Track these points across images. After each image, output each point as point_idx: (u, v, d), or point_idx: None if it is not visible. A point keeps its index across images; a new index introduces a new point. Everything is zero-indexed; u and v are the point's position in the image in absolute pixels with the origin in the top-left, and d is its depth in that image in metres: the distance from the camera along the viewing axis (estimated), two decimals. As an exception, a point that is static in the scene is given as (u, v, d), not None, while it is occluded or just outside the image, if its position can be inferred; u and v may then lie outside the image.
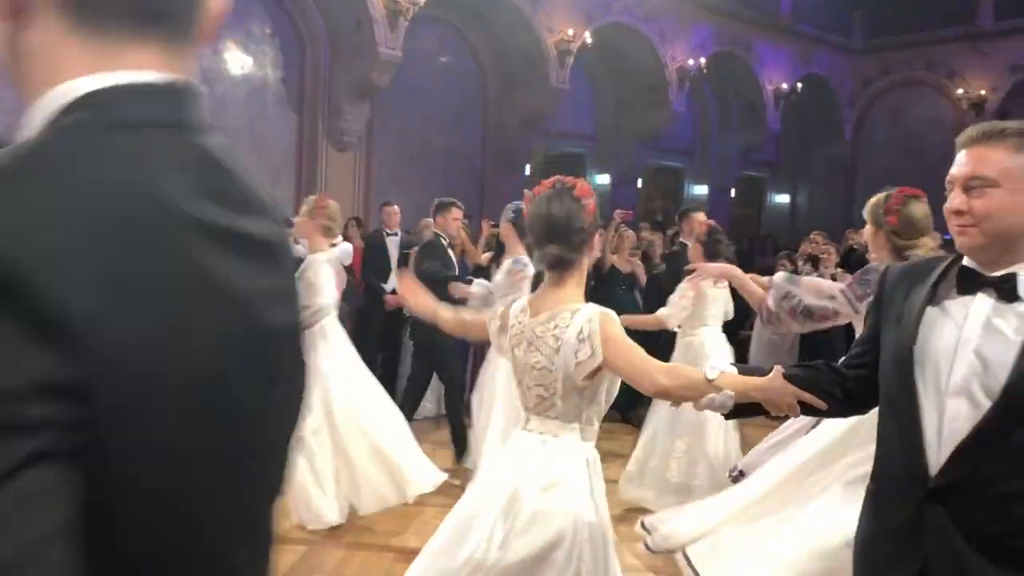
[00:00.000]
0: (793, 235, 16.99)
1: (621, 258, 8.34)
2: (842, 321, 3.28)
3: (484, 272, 7.03)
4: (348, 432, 4.63)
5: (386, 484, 4.69)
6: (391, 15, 10.77)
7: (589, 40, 13.00)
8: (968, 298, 1.72)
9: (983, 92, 15.21)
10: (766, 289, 3.33)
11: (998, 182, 1.68)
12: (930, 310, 1.77)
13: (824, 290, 3.35)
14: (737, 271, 3.67)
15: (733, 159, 16.55)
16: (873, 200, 3.23)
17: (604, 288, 8.24)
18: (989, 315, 1.68)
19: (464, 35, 13.08)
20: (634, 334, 2.67)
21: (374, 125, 11.91)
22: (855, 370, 2.01)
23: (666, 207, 16.68)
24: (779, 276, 3.44)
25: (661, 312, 5.25)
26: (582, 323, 2.34)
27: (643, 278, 8.41)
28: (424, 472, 4.80)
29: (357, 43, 11.02)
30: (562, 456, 2.35)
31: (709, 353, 5.07)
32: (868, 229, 3.28)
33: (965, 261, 1.78)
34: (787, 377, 2.04)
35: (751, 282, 3.48)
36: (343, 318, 7.34)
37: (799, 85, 15.99)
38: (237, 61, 10.82)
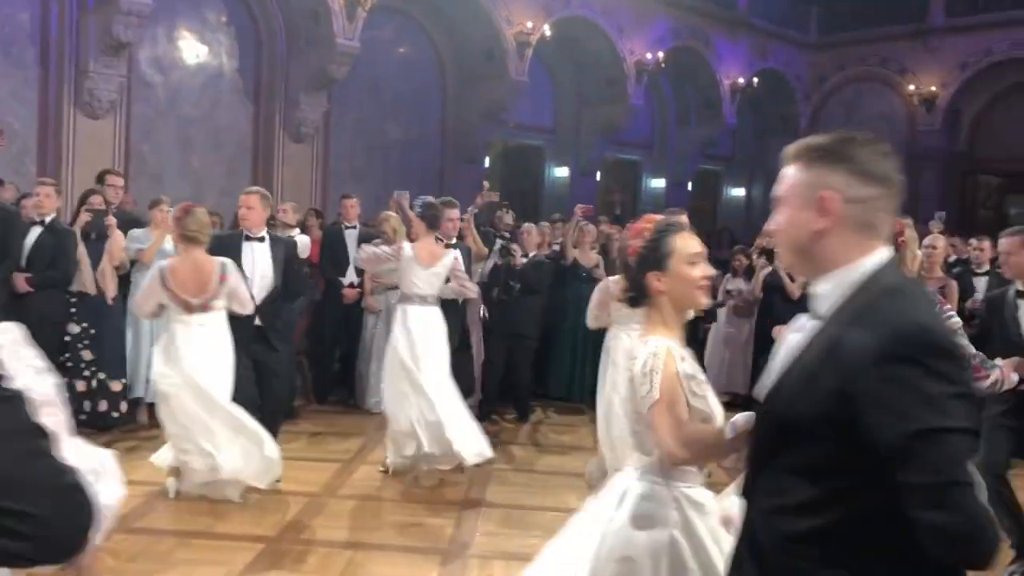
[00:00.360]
0: (749, 228, 17.17)
1: (583, 252, 8.37)
2: None
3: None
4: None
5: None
6: (349, 6, 10.68)
7: (548, 33, 13.01)
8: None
9: (934, 88, 15.50)
10: None
11: (787, 199, 1.67)
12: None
13: None
14: None
15: (690, 153, 16.69)
16: None
17: (566, 282, 8.29)
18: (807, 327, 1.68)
19: (423, 27, 13.01)
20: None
21: (332, 116, 11.80)
22: None
23: (624, 200, 16.78)
24: None
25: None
26: (647, 356, 2.29)
27: (603, 272, 8.46)
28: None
29: (314, 34, 10.90)
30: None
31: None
32: None
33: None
34: None
35: None
36: (301, 311, 7.32)
37: (755, 79, 16.16)
38: (192, 49, 10.65)
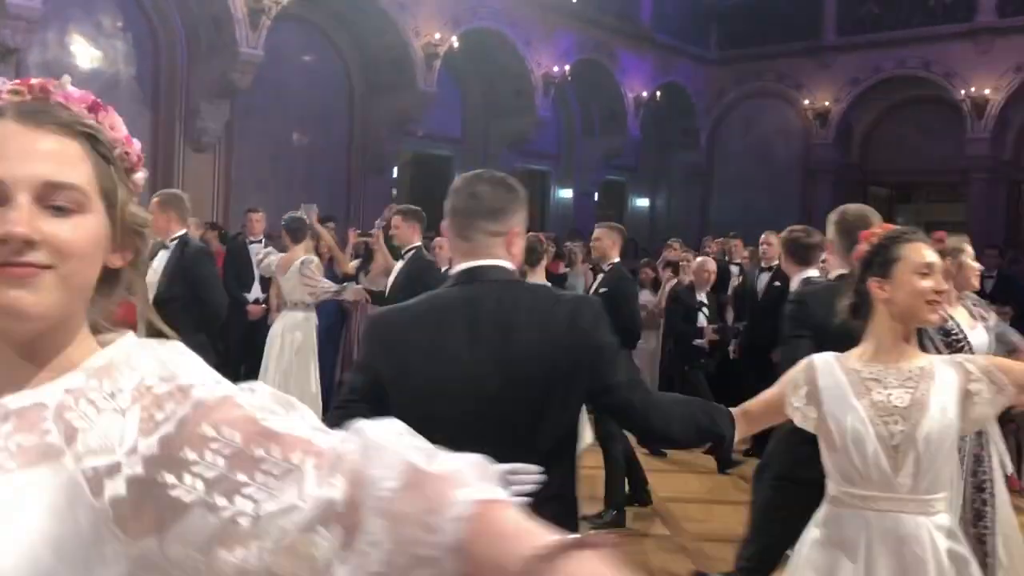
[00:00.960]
0: (654, 238, 17.52)
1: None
2: None
3: (352, 283, 6.91)
4: None
5: None
6: (252, 14, 10.46)
7: (456, 44, 13.01)
8: None
9: (827, 103, 16.11)
10: None
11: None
12: None
13: None
14: None
15: (596, 163, 16.92)
16: None
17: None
18: None
19: (329, 36, 12.84)
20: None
21: (234, 126, 11.52)
22: None
23: (532, 211, 16.86)
24: None
25: None
26: None
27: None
28: None
29: (216, 41, 10.64)
30: None
31: None
32: None
33: None
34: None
35: None
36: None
37: (658, 93, 16.51)
38: (86, 55, 10.26)
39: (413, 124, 13.31)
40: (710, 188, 17.83)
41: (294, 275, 6.34)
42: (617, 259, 5.96)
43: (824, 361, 2.35)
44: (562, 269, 9.77)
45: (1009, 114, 14.67)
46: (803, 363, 2.38)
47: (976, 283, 3.95)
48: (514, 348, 1.96)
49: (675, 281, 8.50)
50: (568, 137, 16.96)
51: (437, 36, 12.61)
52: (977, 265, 3.96)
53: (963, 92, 14.66)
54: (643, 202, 18.75)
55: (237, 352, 7.63)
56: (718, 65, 17.44)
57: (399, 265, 5.88)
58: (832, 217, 3.65)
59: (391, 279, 5.84)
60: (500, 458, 0.82)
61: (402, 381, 1.99)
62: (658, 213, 18.69)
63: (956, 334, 3.79)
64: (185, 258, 5.07)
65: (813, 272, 4.48)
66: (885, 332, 2.29)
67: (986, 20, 14.43)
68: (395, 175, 14.12)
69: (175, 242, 5.14)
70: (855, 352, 2.35)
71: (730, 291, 8.77)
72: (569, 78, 14.90)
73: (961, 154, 14.85)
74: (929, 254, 2.27)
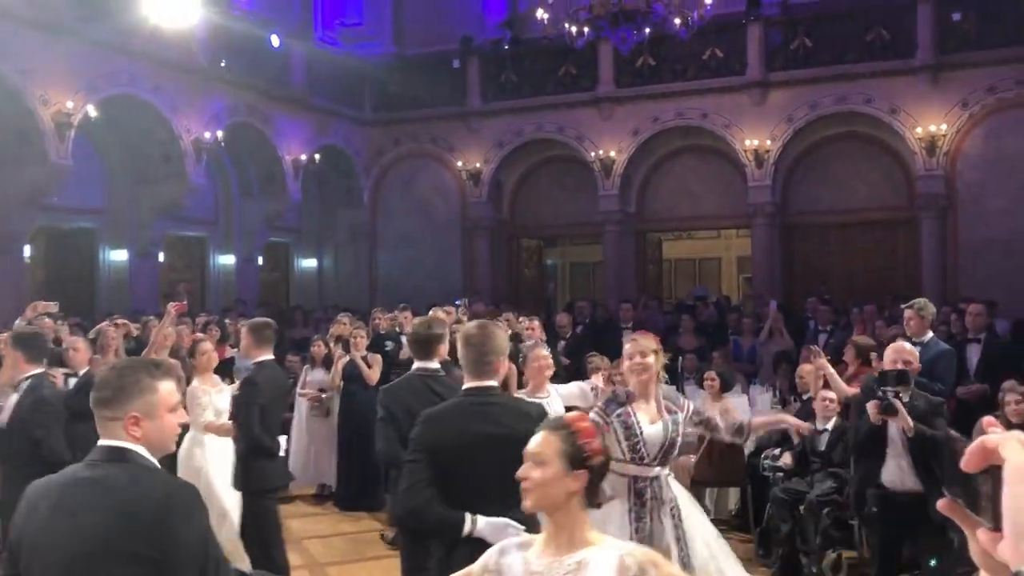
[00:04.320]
0: (322, 298, 17.46)
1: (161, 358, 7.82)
2: None
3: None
4: None
5: None
6: None
7: (93, 113, 12.09)
8: None
9: (478, 164, 17.13)
10: None
11: None
12: None
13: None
14: None
15: (257, 227, 16.55)
16: None
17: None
18: None
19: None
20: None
21: None
22: None
23: (192, 279, 16.09)
24: None
25: None
26: None
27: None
28: None
29: None
30: None
31: None
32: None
33: None
34: None
35: None
36: None
37: (317, 155, 16.54)
38: None
39: (46, 198, 12.15)
40: (375, 246, 18.14)
41: None
42: (264, 356, 5.41)
43: (513, 553, 2.31)
44: (229, 352, 9.35)
45: (631, 173, 16.56)
46: (498, 549, 2.35)
47: (633, 379, 4.21)
48: None
49: (347, 359, 8.52)
50: (226, 202, 16.43)
51: (69, 105, 11.64)
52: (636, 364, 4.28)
53: (593, 154, 16.32)
54: (310, 263, 18.62)
55: None
56: (374, 126, 17.88)
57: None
58: None
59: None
60: None
61: None
62: (325, 273, 18.65)
63: (633, 430, 4.19)
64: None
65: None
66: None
67: (606, 90, 16.22)
68: (28, 253, 12.78)
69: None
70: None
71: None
72: (222, 143, 14.45)
73: (596, 208, 16.50)
74: None
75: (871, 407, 4.88)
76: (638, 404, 4.15)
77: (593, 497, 2.29)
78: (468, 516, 3.06)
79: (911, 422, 4.83)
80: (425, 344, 4.30)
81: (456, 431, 3.17)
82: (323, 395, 8.73)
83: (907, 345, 5.49)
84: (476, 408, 3.24)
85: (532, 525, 3.04)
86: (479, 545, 2.75)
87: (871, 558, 5.57)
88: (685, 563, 3.94)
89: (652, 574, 2.17)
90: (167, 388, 2.39)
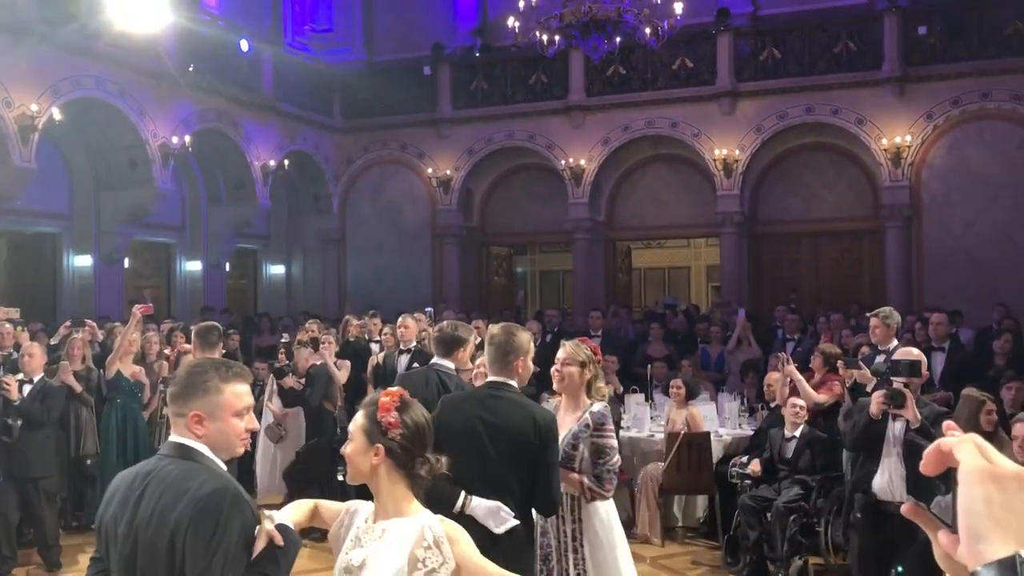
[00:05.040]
0: (291, 306, 17.32)
1: (125, 363, 7.68)
2: None
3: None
4: None
5: None
6: None
7: (58, 116, 11.92)
8: None
9: (448, 172, 17.10)
10: None
11: None
12: None
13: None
14: None
15: (225, 233, 16.39)
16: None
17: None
18: None
19: None
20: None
21: None
22: None
23: (159, 285, 15.91)
24: None
25: None
26: None
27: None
28: None
29: None
30: None
31: None
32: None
33: None
34: None
35: None
36: None
37: (286, 161, 16.42)
38: None
39: (8, 202, 11.96)
40: (345, 253, 18.04)
41: None
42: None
43: (359, 514, 2.44)
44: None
45: (601, 181, 16.62)
46: (353, 505, 2.49)
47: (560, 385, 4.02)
48: None
49: (320, 362, 8.44)
50: (193, 208, 16.25)
51: (34, 108, 11.47)
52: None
53: (563, 162, 16.36)
54: (278, 269, 18.46)
55: None
56: (343, 133, 17.79)
57: None
58: None
59: None
60: None
61: None
62: (294, 280, 18.51)
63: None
64: None
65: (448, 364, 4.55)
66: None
67: (576, 99, 16.27)
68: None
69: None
70: None
71: (369, 370, 8.87)
72: (190, 148, 14.30)
73: (565, 216, 16.53)
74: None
75: (875, 398, 4.74)
76: (562, 413, 3.98)
77: (409, 469, 2.36)
78: (463, 494, 3.31)
79: (918, 414, 4.71)
80: (449, 344, 4.52)
81: (463, 416, 3.48)
82: (279, 427, 8.60)
83: (915, 350, 5.40)
84: (487, 400, 3.55)
85: (526, 512, 3.46)
86: (470, 523, 2.98)
87: (852, 566, 5.51)
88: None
89: (446, 548, 2.27)
90: (234, 391, 2.36)
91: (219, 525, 2.17)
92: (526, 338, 3.65)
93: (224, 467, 2.38)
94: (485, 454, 3.41)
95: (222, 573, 2.15)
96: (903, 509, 0.87)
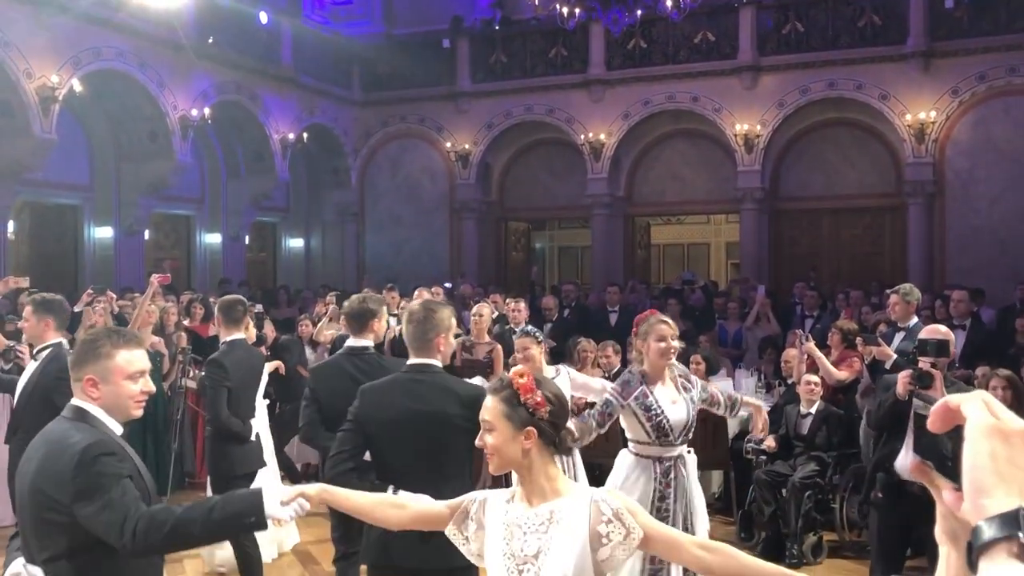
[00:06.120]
0: (310, 279, 17.39)
1: (144, 334, 7.76)
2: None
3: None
4: None
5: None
6: None
7: (78, 88, 11.96)
8: None
9: (467, 146, 17.05)
10: None
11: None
12: None
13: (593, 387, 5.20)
14: None
15: (244, 206, 16.44)
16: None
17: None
18: None
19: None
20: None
21: None
22: None
23: (179, 257, 16.02)
24: None
25: None
26: None
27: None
28: None
29: None
30: None
31: None
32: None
33: None
34: None
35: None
36: None
37: (305, 134, 16.42)
38: None
39: (30, 172, 12.05)
40: (363, 226, 18.07)
41: None
42: (235, 336, 5.12)
43: (495, 504, 2.33)
44: (212, 331, 9.29)
45: (620, 156, 16.52)
46: (478, 497, 2.37)
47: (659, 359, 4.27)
48: None
49: (339, 331, 8.46)
50: (212, 180, 16.31)
51: (54, 79, 11.51)
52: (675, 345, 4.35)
53: (583, 137, 16.26)
54: (297, 243, 18.53)
55: None
56: (362, 107, 17.75)
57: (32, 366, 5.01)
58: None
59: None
60: None
61: None
62: (312, 253, 18.57)
63: (655, 410, 4.18)
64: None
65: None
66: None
67: (596, 72, 16.14)
68: (11, 229, 12.67)
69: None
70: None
71: (386, 343, 8.90)
72: (209, 120, 14.33)
73: (584, 191, 16.46)
74: None
75: (901, 378, 4.59)
76: (655, 384, 4.22)
77: (558, 446, 2.30)
78: (391, 489, 3.12)
79: (946, 395, 4.51)
80: (360, 318, 4.34)
81: (386, 406, 3.31)
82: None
83: (943, 327, 5.26)
84: (408, 384, 3.35)
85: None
86: None
87: (871, 544, 5.39)
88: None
89: (628, 519, 2.18)
90: (125, 357, 2.53)
91: (91, 475, 2.37)
92: (447, 314, 3.48)
93: (118, 429, 2.56)
94: (410, 443, 3.25)
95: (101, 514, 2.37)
96: (909, 467, 0.87)
